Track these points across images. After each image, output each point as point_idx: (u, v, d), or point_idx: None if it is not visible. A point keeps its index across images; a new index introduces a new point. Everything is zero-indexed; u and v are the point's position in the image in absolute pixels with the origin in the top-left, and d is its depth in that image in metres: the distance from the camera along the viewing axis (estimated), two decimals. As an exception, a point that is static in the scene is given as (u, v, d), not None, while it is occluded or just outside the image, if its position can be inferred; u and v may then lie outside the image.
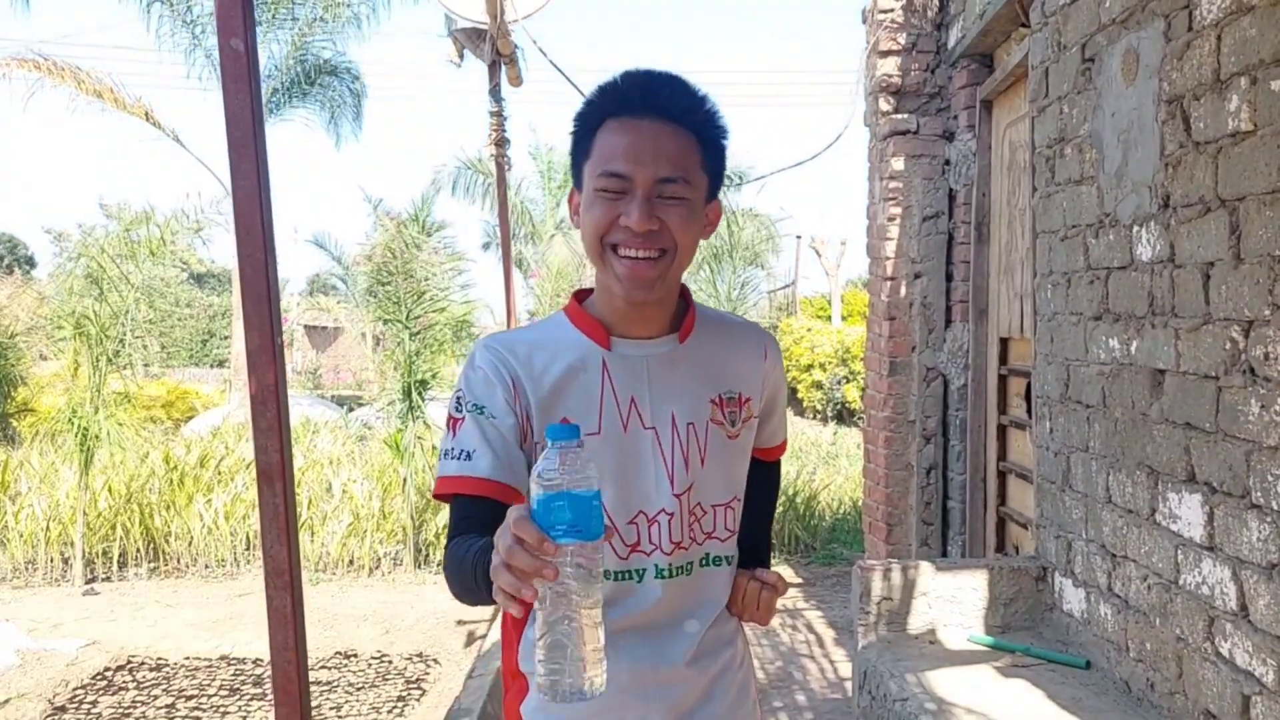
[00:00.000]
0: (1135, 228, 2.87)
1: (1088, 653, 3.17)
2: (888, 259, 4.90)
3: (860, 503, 6.21)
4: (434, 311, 7.18)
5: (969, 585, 3.50)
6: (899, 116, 4.82)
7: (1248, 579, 2.33)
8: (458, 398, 1.30)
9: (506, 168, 5.22)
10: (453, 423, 1.30)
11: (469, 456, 1.25)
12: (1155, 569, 2.76)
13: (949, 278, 4.80)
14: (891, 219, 4.85)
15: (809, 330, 18.27)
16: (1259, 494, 2.27)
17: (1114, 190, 3.00)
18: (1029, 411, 3.97)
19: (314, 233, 25.66)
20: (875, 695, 3.27)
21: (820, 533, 7.60)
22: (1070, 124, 3.31)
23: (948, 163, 4.78)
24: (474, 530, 1.23)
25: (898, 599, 3.51)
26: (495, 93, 5.07)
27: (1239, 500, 2.36)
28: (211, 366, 24.67)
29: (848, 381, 16.26)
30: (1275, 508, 2.21)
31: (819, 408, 17.05)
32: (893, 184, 4.83)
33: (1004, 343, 4.42)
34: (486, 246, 24.45)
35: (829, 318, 22.40)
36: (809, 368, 17.20)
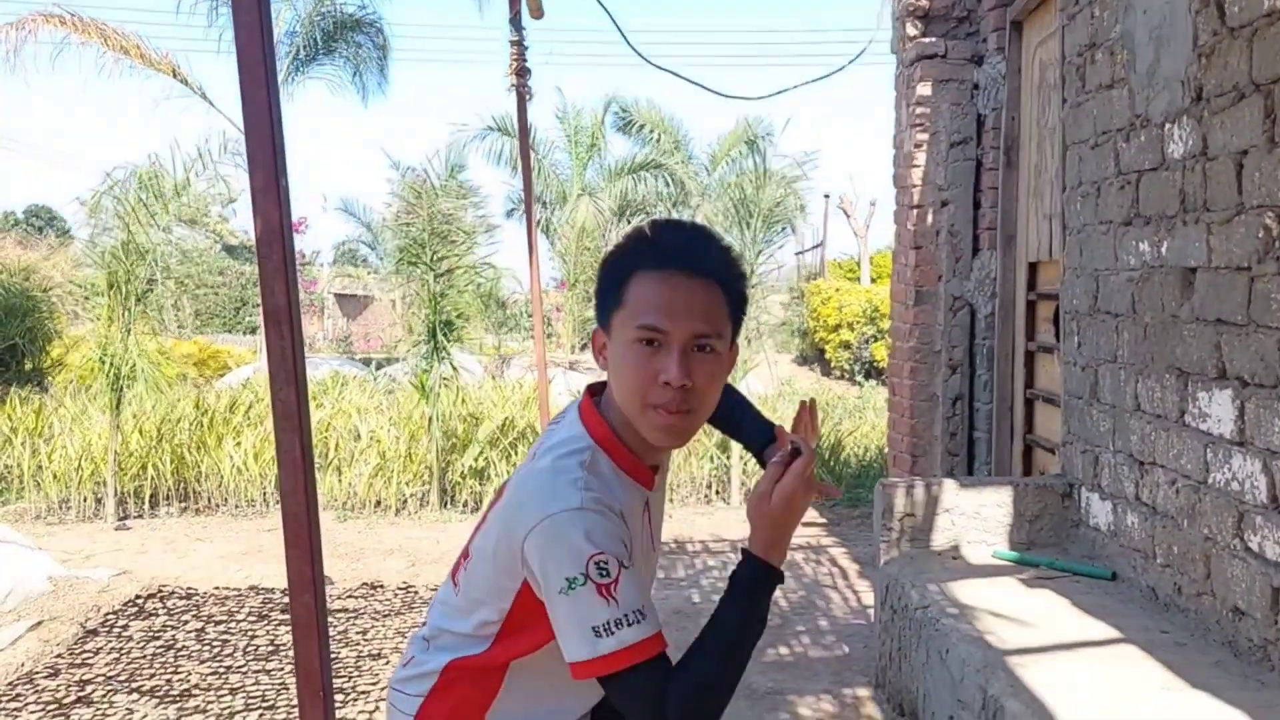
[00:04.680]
0: (1167, 125, 2.80)
1: (1114, 564, 3.13)
2: (914, 187, 4.82)
3: (885, 451, 6.17)
4: (456, 255, 7.17)
5: (993, 502, 3.46)
6: (926, 40, 4.72)
7: (1279, 470, 2.28)
8: (600, 563, 1.19)
9: (528, 97, 5.18)
10: (606, 588, 1.19)
11: (642, 616, 1.19)
12: (1184, 471, 2.71)
13: (976, 205, 4.71)
14: (918, 146, 4.76)
15: (837, 290, 18.09)
16: (1291, 381, 2.21)
17: (1145, 90, 2.93)
18: (1057, 335, 3.90)
19: (342, 198, 25.74)
20: (896, 608, 3.24)
21: (846, 477, 7.56)
22: (1101, 28, 3.23)
23: (976, 87, 4.68)
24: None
25: (920, 515, 3.48)
26: (515, 21, 5.02)
27: (1270, 391, 2.31)
28: (245, 333, 24.86)
29: (875, 340, 16.10)
30: (1308, 393, 2.15)
31: (846, 367, 16.92)
32: (919, 110, 4.73)
33: (1032, 268, 4.35)
34: (510, 214, 24.39)
35: (858, 279, 22.19)
36: (837, 328, 17.05)
